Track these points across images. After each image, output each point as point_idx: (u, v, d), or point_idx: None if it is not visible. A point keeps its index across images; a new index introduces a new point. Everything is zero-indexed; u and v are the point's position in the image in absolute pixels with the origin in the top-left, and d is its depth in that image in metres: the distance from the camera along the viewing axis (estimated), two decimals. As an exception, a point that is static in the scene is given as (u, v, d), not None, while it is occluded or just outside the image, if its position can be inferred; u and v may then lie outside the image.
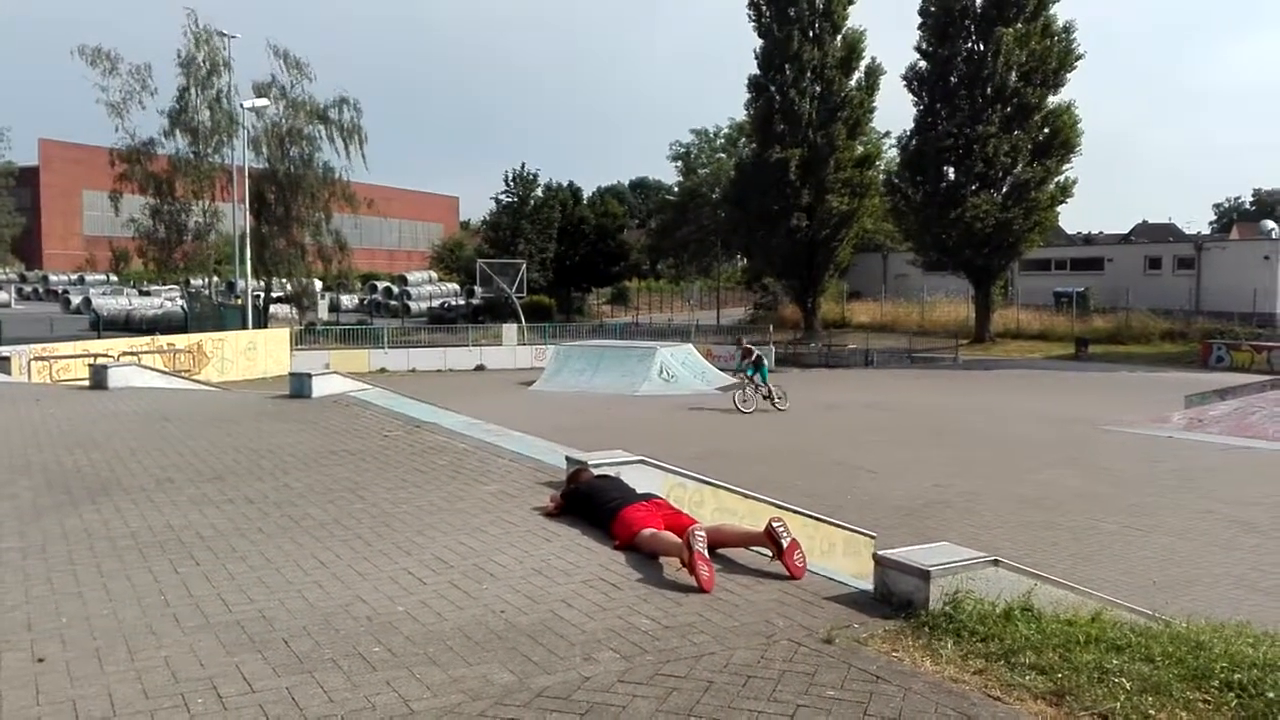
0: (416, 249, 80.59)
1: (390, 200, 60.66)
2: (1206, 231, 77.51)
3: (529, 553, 5.25)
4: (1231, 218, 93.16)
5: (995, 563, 4.70)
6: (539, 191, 57.61)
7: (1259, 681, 3.64)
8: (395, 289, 59.17)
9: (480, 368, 34.74)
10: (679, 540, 4.99)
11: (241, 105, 35.69)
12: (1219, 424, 19.03)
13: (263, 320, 37.04)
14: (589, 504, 5.86)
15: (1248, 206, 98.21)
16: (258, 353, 29.84)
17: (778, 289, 55.61)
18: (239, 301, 36.74)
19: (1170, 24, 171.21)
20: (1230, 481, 14.28)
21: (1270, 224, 66.09)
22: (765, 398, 23.18)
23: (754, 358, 23.74)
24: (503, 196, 57.24)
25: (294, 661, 3.80)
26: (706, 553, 4.82)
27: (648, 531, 5.31)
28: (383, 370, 32.23)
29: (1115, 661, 3.85)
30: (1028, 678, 3.71)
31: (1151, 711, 3.41)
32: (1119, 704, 3.46)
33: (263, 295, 39.43)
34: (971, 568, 4.57)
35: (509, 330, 38.38)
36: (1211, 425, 19.07)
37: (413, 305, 56.56)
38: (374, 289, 59.11)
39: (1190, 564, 9.70)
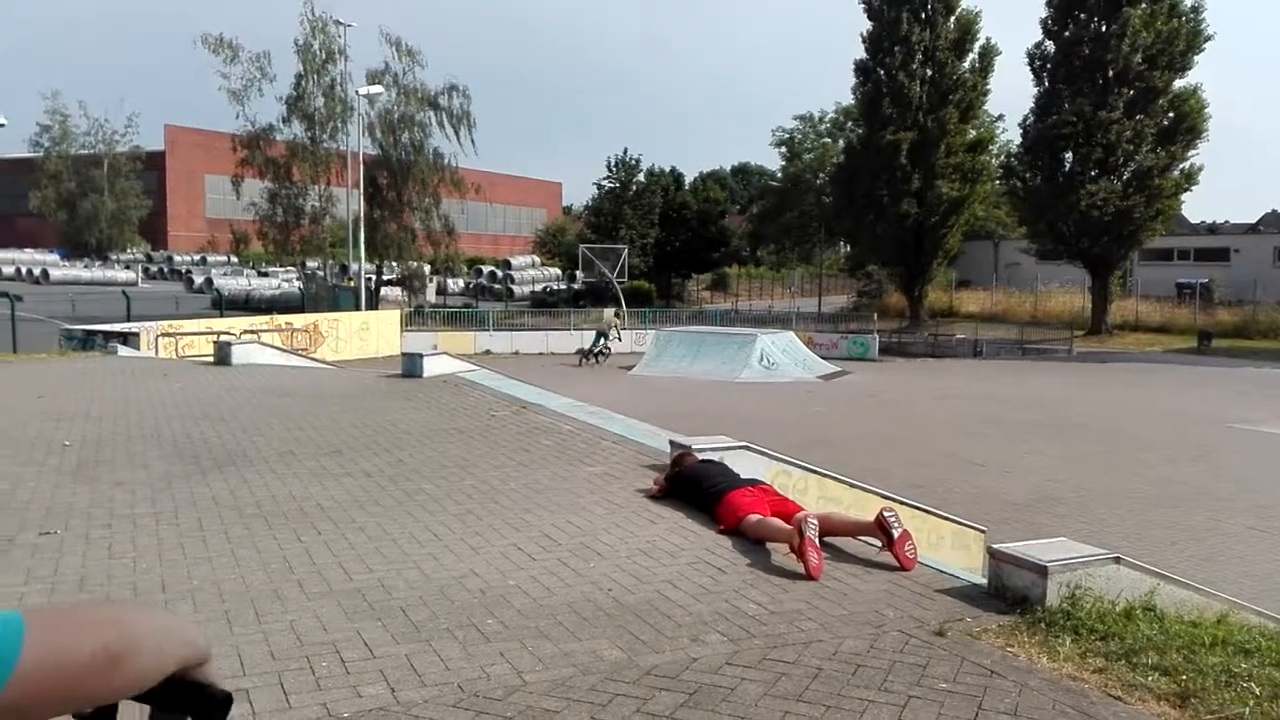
0: (520, 234, 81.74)
1: (495, 186, 61.56)
2: (1346, 220, 72.70)
3: (634, 533, 5.31)
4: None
5: (1116, 560, 4.56)
6: (641, 177, 57.68)
7: (1396, 692, 3.45)
8: (499, 273, 60.15)
9: (581, 351, 35.08)
10: (788, 526, 4.97)
11: (356, 92, 36.64)
12: (1357, 424, 17.95)
13: (374, 302, 38.07)
14: (694, 488, 5.89)
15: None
16: (370, 333, 30.74)
17: (882, 276, 54.53)
18: (352, 283, 37.85)
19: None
20: (1369, 485, 13.47)
21: None
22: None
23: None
24: (605, 182, 57.54)
25: (411, 630, 3.93)
26: (818, 540, 4.80)
27: (754, 517, 5.30)
28: (487, 352, 32.82)
29: (1244, 665, 3.70)
30: (1150, 678, 3.59)
31: (1283, 719, 3.26)
32: (1248, 709, 3.32)
33: (374, 278, 40.50)
34: (1091, 565, 4.45)
35: (609, 315, 38.61)
36: (1349, 425, 18.00)
37: (516, 289, 57.42)
38: (479, 273, 60.20)
39: (1323, 570, 9.21)
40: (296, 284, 45.46)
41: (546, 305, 48.34)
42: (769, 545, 5.10)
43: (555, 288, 57.01)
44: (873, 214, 44.72)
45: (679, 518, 5.64)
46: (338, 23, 37.27)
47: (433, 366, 11.85)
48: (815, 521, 4.92)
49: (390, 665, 3.59)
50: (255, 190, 39.04)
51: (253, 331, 23.68)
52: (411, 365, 11.96)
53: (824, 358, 31.29)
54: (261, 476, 6.62)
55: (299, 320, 29.06)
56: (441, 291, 52.04)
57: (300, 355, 18.17)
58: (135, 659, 0.85)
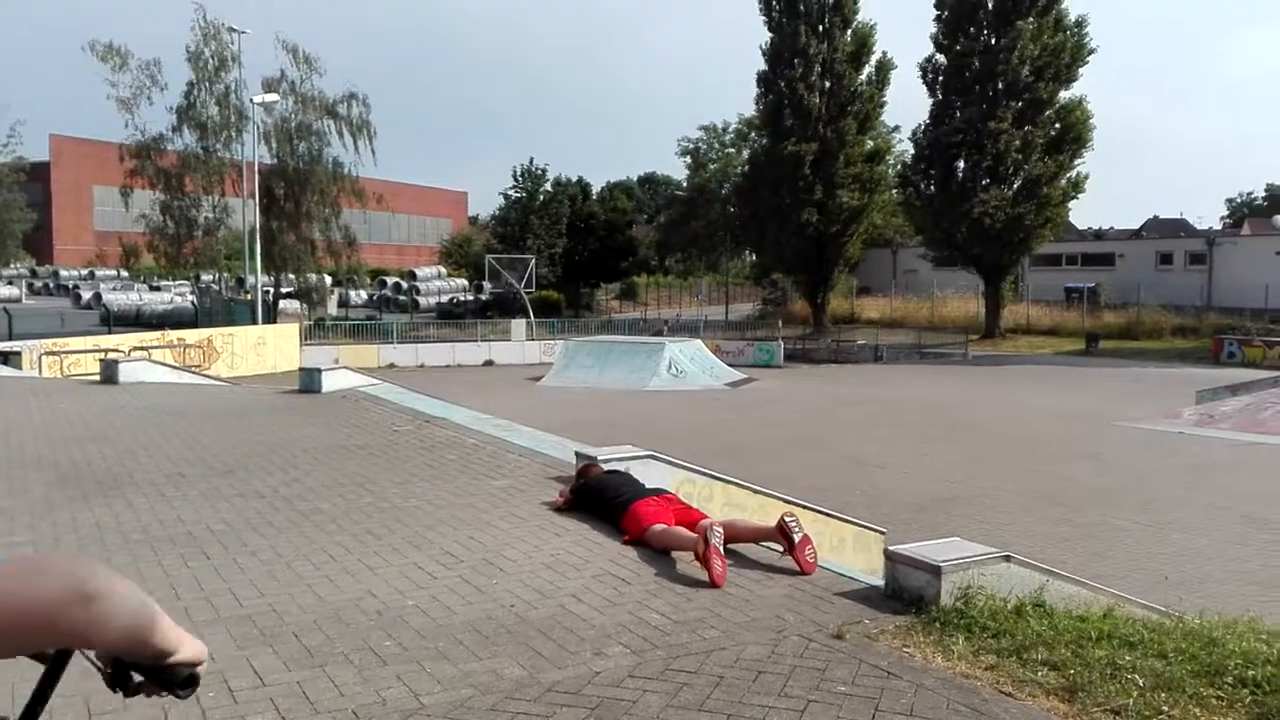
0: (425, 244, 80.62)
1: (398, 195, 60.67)
2: (1218, 227, 77.02)
3: (539, 547, 5.25)
4: (1244, 213, 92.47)
5: (1007, 558, 4.68)
6: (548, 186, 57.58)
7: (1273, 678, 3.62)
8: (404, 284, 59.23)
9: (489, 363, 34.77)
10: (693, 535, 4.98)
11: (251, 100, 35.71)
12: (1230, 420, 18.92)
13: (272, 316, 37.08)
14: (598, 499, 5.86)
15: (1260, 202, 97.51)
16: (267, 348, 29.91)
17: (787, 284, 55.49)
18: (248, 297, 36.79)
19: (1180, 18, 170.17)
20: (1242, 477, 14.20)
21: (1283, 219, 65.73)
22: None
23: None
24: (511, 192, 57.25)
25: (305, 655, 3.80)
26: (722, 549, 4.82)
27: (659, 527, 5.30)
28: (392, 365, 32.28)
29: (1128, 658, 3.82)
30: (1040, 674, 3.69)
31: (1165, 708, 3.38)
32: (1132, 700, 3.44)
33: (272, 291, 39.47)
34: (983, 563, 4.56)
35: (517, 325, 38.40)
36: (1223, 421, 18.96)
37: (421, 301, 56.60)
38: (383, 284, 59.15)
39: (1203, 560, 9.65)
40: (190, 298, 43.93)
41: (453, 316, 47.76)
42: (674, 554, 5.10)
43: (462, 299, 56.41)
44: (776, 223, 45.50)
45: (585, 530, 5.60)
46: (231, 30, 36.28)
47: (332, 381, 11.57)
48: (720, 530, 4.94)
49: (281, 693, 3.46)
50: (146, 202, 37.71)
51: (143, 348, 22.78)
52: (310, 380, 11.65)
53: (731, 365, 31.65)
54: (148, 499, 6.34)
55: (192, 336, 28.10)
56: (343, 304, 51.00)
57: (193, 372, 17.54)
58: (106, 601, 0.92)
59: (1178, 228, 71.94)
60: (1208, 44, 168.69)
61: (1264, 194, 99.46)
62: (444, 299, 56.97)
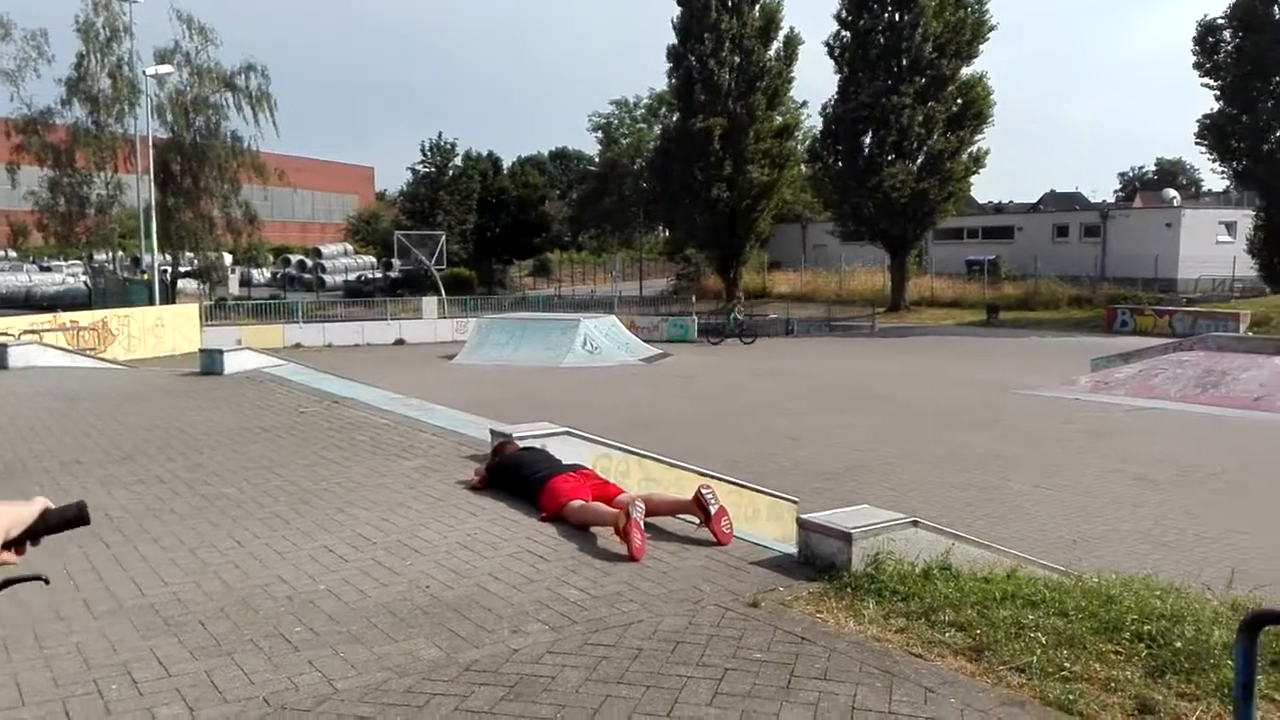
0: (331, 221, 78.57)
1: (302, 171, 58.91)
2: (1112, 200, 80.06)
3: (454, 527, 5.19)
4: (1135, 186, 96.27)
5: (914, 524, 4.81)
6: (457, 161, 56.71)
7: (1167, 632, 3.79)
8: (309, 262, 57.69)
9: (400, 342, 34.19)
10: (614, 510, 4.99)
11: (144, 72, 34.26)
12: (1124, 386, 19.76)
13: (170, 296, 35.84)
14: (515, 476, 5.82)
15: (1151, 175, 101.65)
16: (166, 329, 28.87)
17: (700, 260, 55.84)
18: (145, 276, 35.44)
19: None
20: (1135, 441, 14.86)
21: (1172, 192, 68.74)
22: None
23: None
24: (420, 167, 56.25)
25: (212, 644, 3.70)
26: (642, 523, 4.84)
27: (577, 503, 5.30)
28: (298, 346, 31.49)
29: (1031, 617, 3.96)
30: (947, 635, 3.80)
31: (1067, 664, 3.52)
32: (1035, 657, 3.57)
33: (170, 270, 38.14)
34: (892, 529, 4.67)
35: (429, 303, 37.80)
36: (1117, 387, 19.79)
37: (328, 279, 55.26)
38: (287, 262, 57.53)
39: (1099, 521, 10.08)
40: (83, 279, 42.14)
41: (362, 295, 46.76)
42: (594, 530, 5.11)
43: (370, 276, 55.27)
44: (688, 199, 45.65)
45: (501, 508, 5.56)
46: (123, -1, 34.69)
47: (235, 362, 11.23)
48: (641, 505, 4.96)
49: (188, 683, 3.36)
50: (34, 178, 35.99)
51: (33, 331, 21.79)
52: (211, 362, 11.29)
53: (645, 340, 31.74)
54: (42, 488, 6.06)
55: (85, 318, 26.98)
56: (245, 283, 49.53)
57: (87, 355, 16.83)
58: None
59: (1073, 201, 74.55)
60: (1102, 23, 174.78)
61: (1154, 168, 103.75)
62: (351, 277, 55.73)
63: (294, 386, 10.23)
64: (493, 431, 6.71)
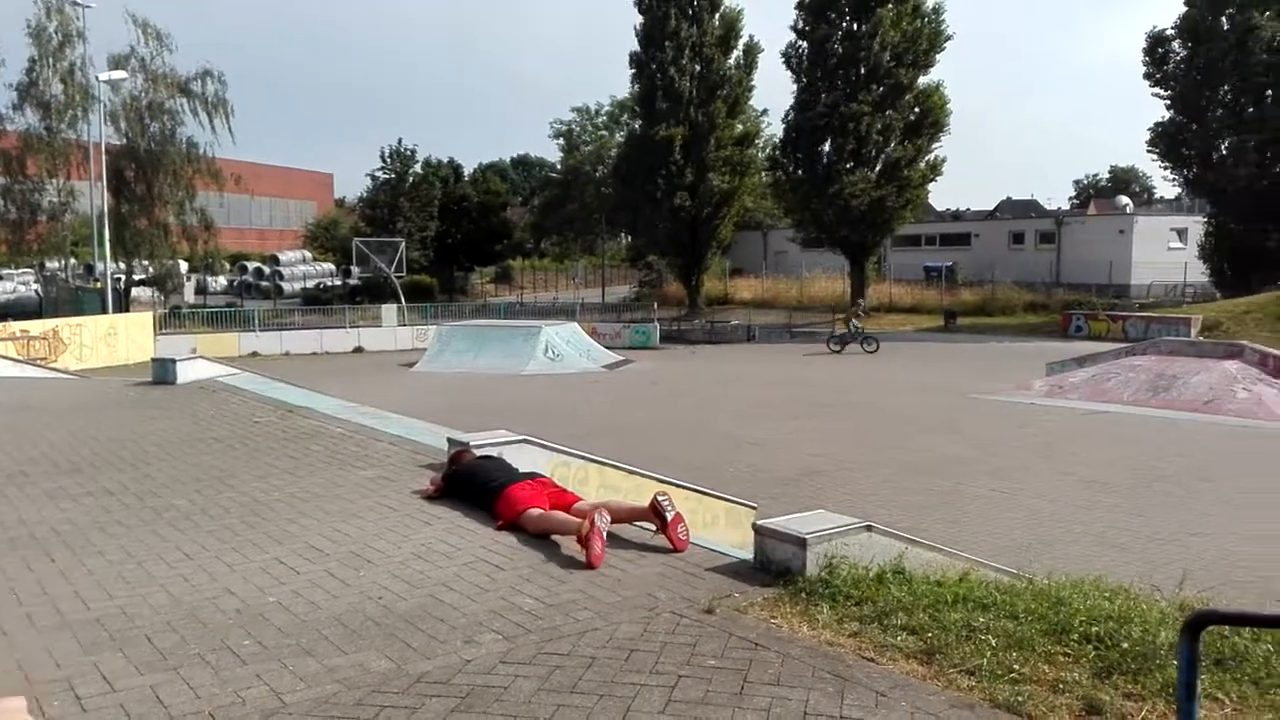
0: (289, 228, 77.67)
1: (260, 177, 58.22)
2: (1066, 207, 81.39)
3: (408, 537, 5.14)
4: (1090, 194, 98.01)
5: (868, 528, 4.84)
6: (418, 168, 56.39)
7: (1114, 633, 3.85)
8: (266, 269, 57.01)
9: (359, 350, 33.91)
10: (577, 520, 4.98)
11: (97, 78, 33.73)
12: (1078, 390, 20.08)
13: (124, 304, 35.27)
14: (471, 485, 5.78)
15: (1105, 183, 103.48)
16: (119, 338, 28.38)
17: (662, 266, 55.97)
18: (98, 285, 34.86)
19: (1031, 6, 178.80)
20: (1088, 444, 15.09)
21: (1125, 199, 69.99)
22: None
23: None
24: (380, 173, 55.85)
25: (158, 658, 3.63)
26: (605, 531, 4.84)
27: (536, 511, 5.27)
28: (254, 354, 31.11)
29: (982, 619, 4.00)
30: (899, 638, 3.83)
31: (1016, 666, 3.56)
32: (985, 660, 3.60)
33: (124, 278, 37.51)
34: (846, 533, 4.70)
35: (388, 311, 37.52)
36: (1071, 391, 20.10)
37: (286, 286, 54.64)
38: (244, 270, 56.80)
39: (1053, 523, 10.22)
40: (34, 287, 41.33)
41: (320, 302, 46.33)
42: (554, 538, 5.09)
43: (329, 283, 54.74)
44: (650, 206, 45.82)
45: (456, 517, 5.52)
46: (75, 3, 34.11)
47: (188, 372, 11.06)
48: (608, 516, 4.97)
49: (133, 699, 3.29)
50: (-17, 185, 35.22)
51: (-20, 341, 21.29)
52: (163, 371, 11.10)
53: (608, 347, 31.77)
54: (-16, 502, 5.93)
55: (36, 327, 26.46)
56: (201, 291, 48.87)
57: (38, 365, 16.49)
58: None
59: (1029, 208, 75.71)
60: (1055, 31, 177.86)
61: (1108, 175, 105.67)
62: (310, 284, 55.17)
63: (248, 396, 10.09)
64: (449, 440, 6.66)
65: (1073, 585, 4.65)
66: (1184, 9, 38.26)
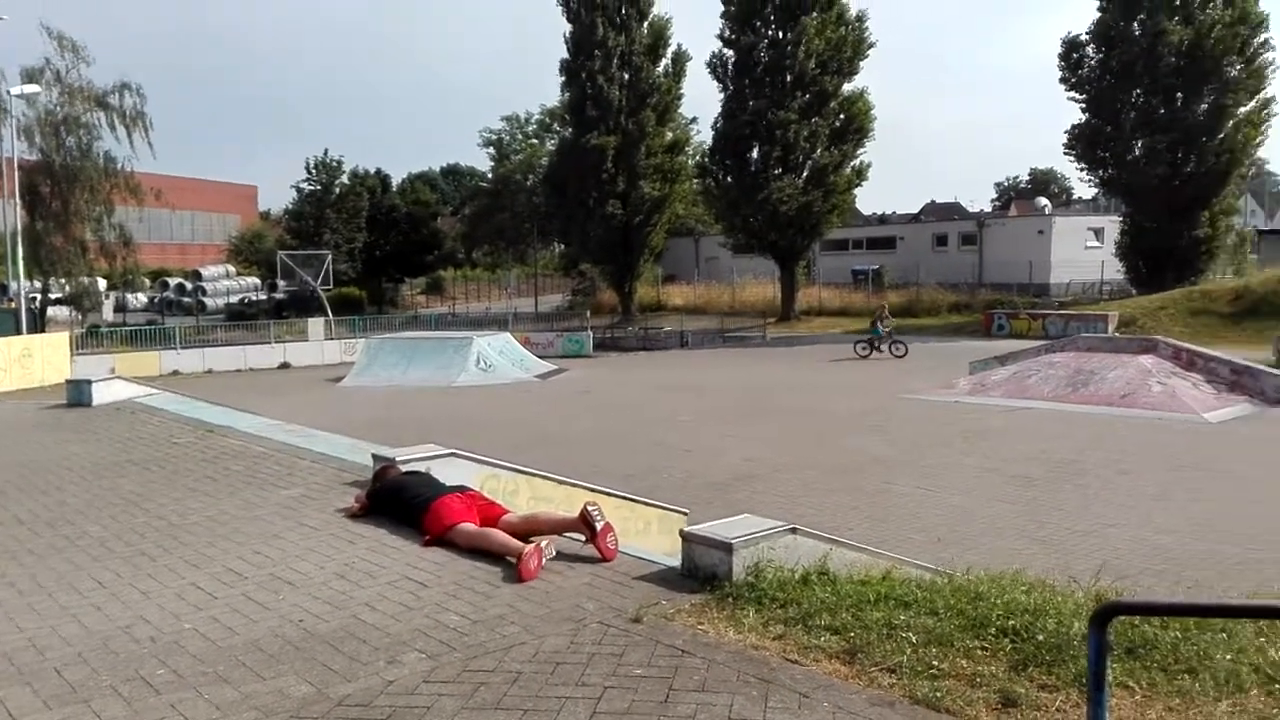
0: (212, 242, 75.81)
1: (181, 191, 56.78)
2: (988, 209, 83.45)
3: (331, 557, 5.06)
4: (1011, 195, 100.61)
5: (793, 530, 4.90)
6: (344, 179, 55.65)
7: (1030, 626, 3.94)
8: (189, 285, 55.60)
9: (285, 365, 33.26)
10: (516, 543, 4.94)
11: (8, 92, 32.66)
12: (999, 388, 20.56)
13: (40, 324, 34.07)
14: (397, 501, 5.71)
15: (1025, 184, 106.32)
16: (34, 360, 27.36)
17: (595, 274, 55.99)
18: (12, 305, 33.63)
19: (955, 10, 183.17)
20: (1011, 440, 15.46)
21: (1044, 200, 72.00)
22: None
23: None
24: (305, 185, 55.00)
25: (67, 691, 3.52)
26: (547, 558, 4.83)
27: (469, 527, 5.23)
28: (175, 373, 30.34)
29: (903, 617, 4.07)
30: (823, 639, 3.87)
31: (935, 662, 3.62)
32: (905, 657, 3.66)
33: (39, 297, 36.32)
34: (771, 537, 4.74)
35: (315, 325, 36.86)
36: (993, 389, 20.58)
37: (209, 302, 53.35)
38: (165, 286, 55.31)
39: (977, 519, 10.44)
40: (-58, 308, 39.71)
41: (245, 317, 45.30)
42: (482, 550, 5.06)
43: (254, 298, 53.61)
44: (582, 214, 45.85)
45: (381, 534, 5.44)
46: (-14, 17, 32.91)
47: (105, 393, 10.74)
48: (555, 549, 4.97)
49: (38, 737, 3.18)
50: (-115, 205, 33.73)
51: (-119, 366, 20.38)
52: (78, 393, 10.77)
53: (541, 356, 31.63)
54: (-119, 536, 5.68)
55: (-56, 349, 25.36)
56: (121, 309, 47.48)
57: (-57, 390, 15.84)
58: None
59: (952, 211, 77.41)
60: (977, 36, 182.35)
61: (1028, 177, 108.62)
62: (234, 299, 53.96)
63: (167, 416, 9.84)
64: (375, 456, 6.57)
65: (991, 580, 4.74)
66: (1097, 15, 39.49)
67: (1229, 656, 3.59)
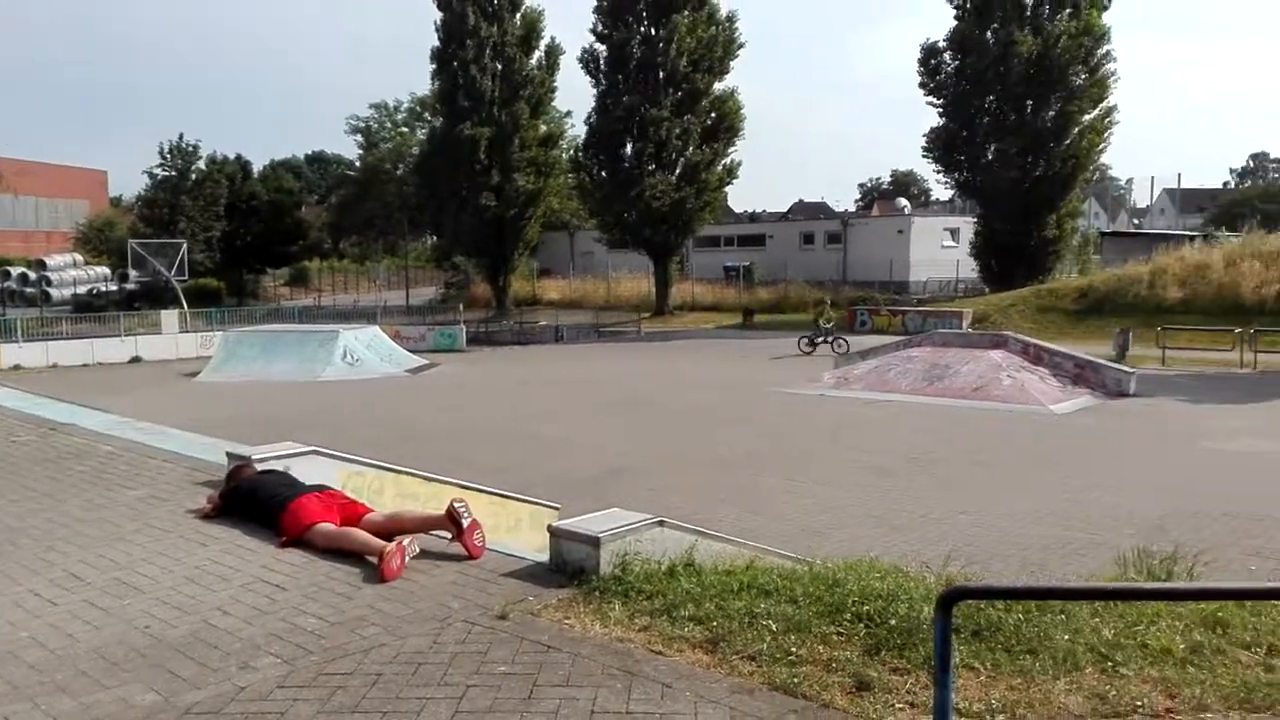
0: (58, 229, 71.29)
1: (23, 175, 53.39)
2: (853, 210, 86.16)
3: (181, 560, 4.84)
4: (874, 196, 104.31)
5: (660, 523, 4.95)
6: (201, 164, 53.28)
7: (884, 611, 4.09)
8: (32, 275, 52.16)
9: (136, 359, 31.62)
10: (378, 542, 4.83)
11: None
12: (862, 381, 21.28)
13: None
14: (252, 501, 5.51)
15: (887, 186, 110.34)
16: None
17: (468, 267, 55.24)
18: None
19: (819, 16, 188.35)
20: (872, 432, 16.04)
21: (904, 201, 74.74)
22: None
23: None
24: (159, 170, 52.40)
25: (-117, 712, 3.26)
26: (410, 556, 4.74)
27: (328, 527, 5.09)
28: (17, 367, 28.48)
29: (764, 605, 4.17)
30: (687, 629, 3.93)
31: (793, 648, 3.73)
32: (765, 645, 3.76)
33: None
34: (639, 530, 4.79)
35: (169, 317, 35.16)
36: (856, 383, 21.29)
37: (54, 293, 50.14)
38: (6, 275, 51.76)
39: (839, 509, 10.78)
40: None
41: (93, 309, 42.77)
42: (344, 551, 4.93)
43: (103, 289, 50.69)
44: (455, 205, 45.17)
45: (235, 536, 5.24)
46: None
47: (-69, 389, 9.98)
48: (419, 547, 4.87)
49: None
50: None
51: None
52: (-100, 390, 9.98)
53: (412, 351, 31.02)
54: None
55: None
56: (-45, 299, 44.21)
57: None
58: None
59: (819, 210, 79.71)
60: (845, 40, 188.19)
61: (889, 179, 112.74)
62: (81, 290, 50.88)
63: (6, 413, 9.22)
64: (229, 455, 6.32)
65: (848, 567, 4.91)
66: (954, 23, 41.21)
67: (1066, 636, 3.80)
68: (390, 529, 5.12)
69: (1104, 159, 45.14)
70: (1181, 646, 3.72)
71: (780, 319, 42.66)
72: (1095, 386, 20.01)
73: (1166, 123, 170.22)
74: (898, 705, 3.28)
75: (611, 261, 51.90)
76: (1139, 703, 3.26)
